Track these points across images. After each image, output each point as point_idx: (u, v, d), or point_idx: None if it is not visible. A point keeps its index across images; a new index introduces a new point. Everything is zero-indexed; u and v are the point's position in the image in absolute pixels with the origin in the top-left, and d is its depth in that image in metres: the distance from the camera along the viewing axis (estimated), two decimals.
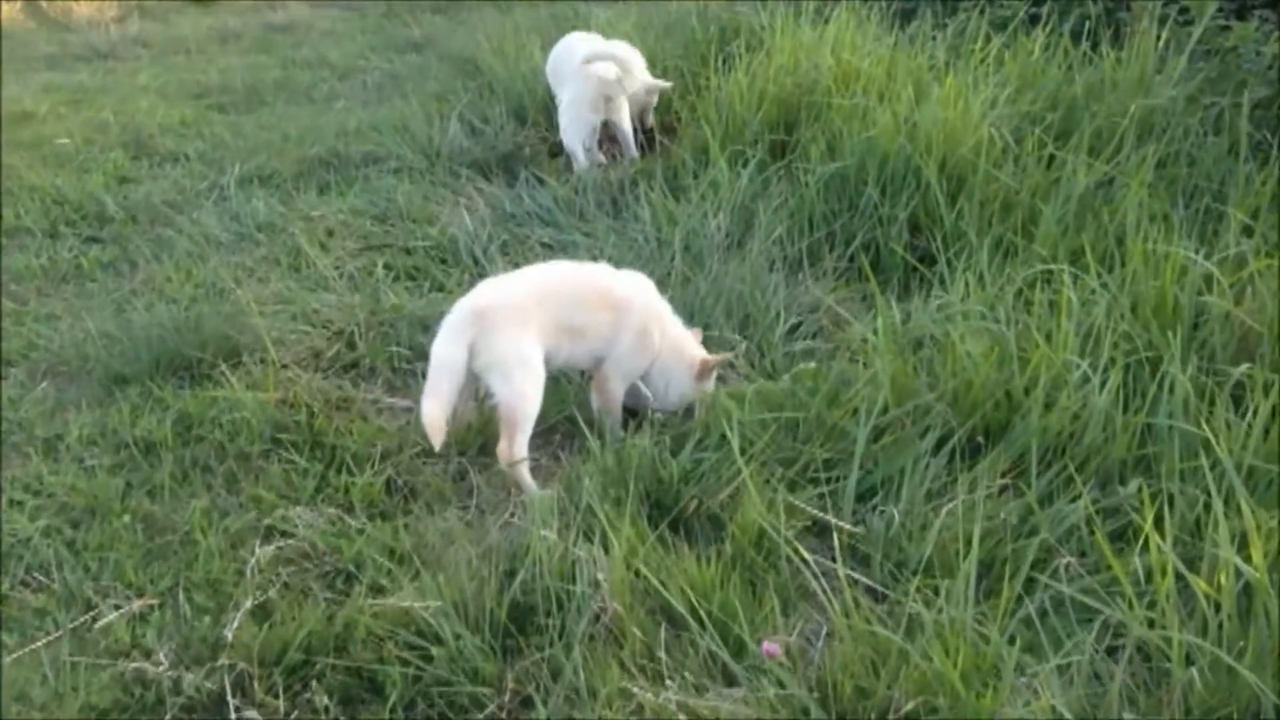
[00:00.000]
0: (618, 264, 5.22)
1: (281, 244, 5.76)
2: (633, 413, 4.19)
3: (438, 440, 3.62)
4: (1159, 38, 6.27)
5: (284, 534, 3.52)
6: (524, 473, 3.73)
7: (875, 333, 4.03)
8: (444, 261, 5.60)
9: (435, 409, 3.62)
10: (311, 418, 4.09)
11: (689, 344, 4.15)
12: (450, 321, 3.77)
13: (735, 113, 6.40)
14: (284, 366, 4.50)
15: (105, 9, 12.43)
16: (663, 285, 4.99)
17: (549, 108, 7.51)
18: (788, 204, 5.63)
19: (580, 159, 6.72)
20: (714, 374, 4.16)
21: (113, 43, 11.07)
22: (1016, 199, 5.25)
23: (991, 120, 5.66)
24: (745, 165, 5.97)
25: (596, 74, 6.65)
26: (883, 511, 3.41)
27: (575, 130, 6.79)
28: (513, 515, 3.63)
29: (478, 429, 4.01)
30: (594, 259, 5.33)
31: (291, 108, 8.90)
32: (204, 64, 10.39)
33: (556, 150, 7.12)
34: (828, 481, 3.59)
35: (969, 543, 3.03)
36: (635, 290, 4.07)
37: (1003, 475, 3.56)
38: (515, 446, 3.71)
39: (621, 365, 4.05)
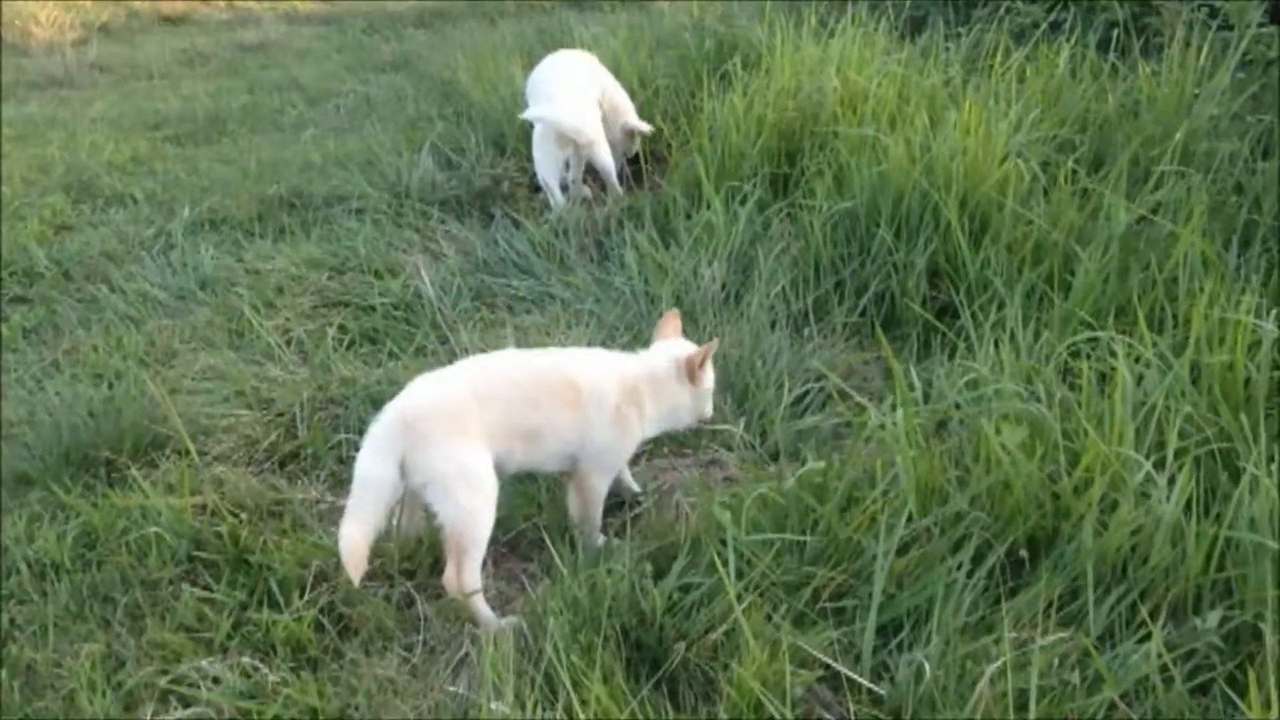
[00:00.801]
0: (601, 321, 4.74)
1: (225, 304, 5.23)
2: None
3: (356, 574, 3.09)
4: (1198, 49, 5.69)
5: (185, 700, 2.95)
6: (478, 605, 3.21)
7: (893, 416, 3.45)
8: (408, 321, 5.04)
9: (356, 536, 3.09)
10: (236, 529, 3.53)
11: (661, 361, 3.64)
12: (376, 433, 3.24)
13: (731, 143, 5.84)
14: (213, 461, 3.96)
15: (65, 31, 11.87)
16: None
17: (529, 135, 6.95)
18: (790, 250, 5.08)
19: (556, 196, 6.18)
20: (708, 368, 3.66)
21: (69, 69, 10.56)
22: (1049, 241, 4.69)
23: (1016, 148, 5.11)
24: (743, 203, 5.41)
25: (557, 126, 6.10)
26: (910, 659, 2.84)
27: (547, 164, 6.25)
28: (466, 656, 3.07)
29: (429, 545, 3.45)
30: (572, 316, 4.82)
31: (256, 137, 8.40)
32: (165, 90, 9.90)
33: (537, 184, 6.55)
34: (842, 615, 3.03)
35: (1021, 706, 2.48)
36: (601, 377, 3.52)
37: (1051, 606, 2.99)
38: (465, 575, 3.17)
39: (602, 460, 3.54)
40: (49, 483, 3.83)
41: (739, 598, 2.97)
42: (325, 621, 3.23)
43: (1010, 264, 4.66)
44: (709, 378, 3.68)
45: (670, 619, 2.99)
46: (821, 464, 3.37)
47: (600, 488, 3.57)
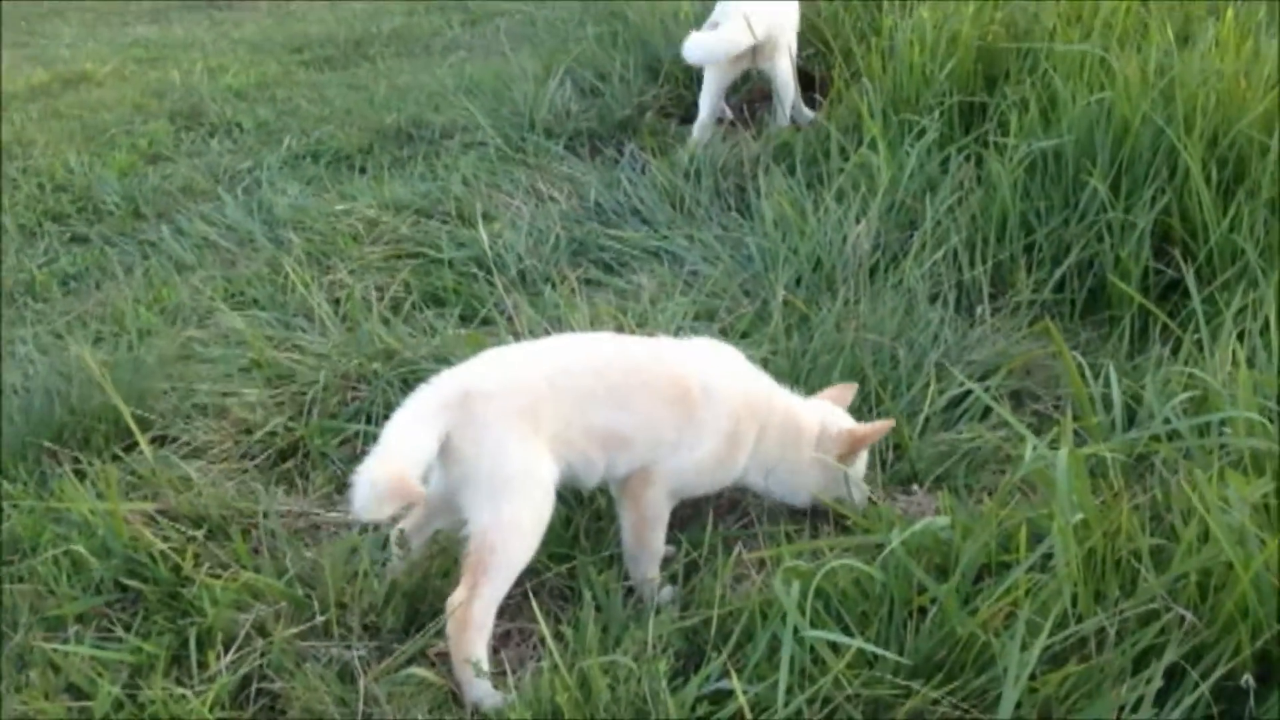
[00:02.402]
0: (715, 286, 3.85)
1: (288, 252, 4.52)
2: None
3: (401, 496, 2.38)
4: None
5: None
6: (476, 647, 2.42)
7: (1052, 453, 2.40)
8: (487, 280, 4.21)
9: (380, 469, 2.37)
10: (180, 551, 2.81)
11: (812, 414, 2.90)
12: (423, 397, 2.60)
13: (912, 64, 4.76)
14: (190, 454, 3.26)
15: None
16: (757, 329, 3.55)
17: None
18: (969, 201, 4.00)
19: (703, 120, 5.25)
20: (863, 454, 2.90)
21: None
22: None
23: None
24: (918, 140, 4.35)
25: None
26: None
27: (712, 84, 5.33)
28: None
29: (403, 594, 2.65)
30: (685, 279, 3.93)
31: (398, 61, 7.77)
32: (322, 10, 9.36)
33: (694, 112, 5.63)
34: None
35: None
36: (718, 372, 2.80)
37: None
38: (476, 606, 2.42)
39: (683, 473, 2.76)
40: (12, 465, 3.23)
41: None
42: (244, 698, 2.47)
43: (1271, 229, 3.50)
44: (861, 465, 2.91)
45: None
46: (944, 520, 2.37)
47: (665, 505, 2.77)
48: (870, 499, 2.90)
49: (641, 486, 2.71)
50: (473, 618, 2.42)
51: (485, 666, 2.39)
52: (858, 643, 2.14)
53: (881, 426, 2.87)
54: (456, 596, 2.46)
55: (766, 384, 2.89)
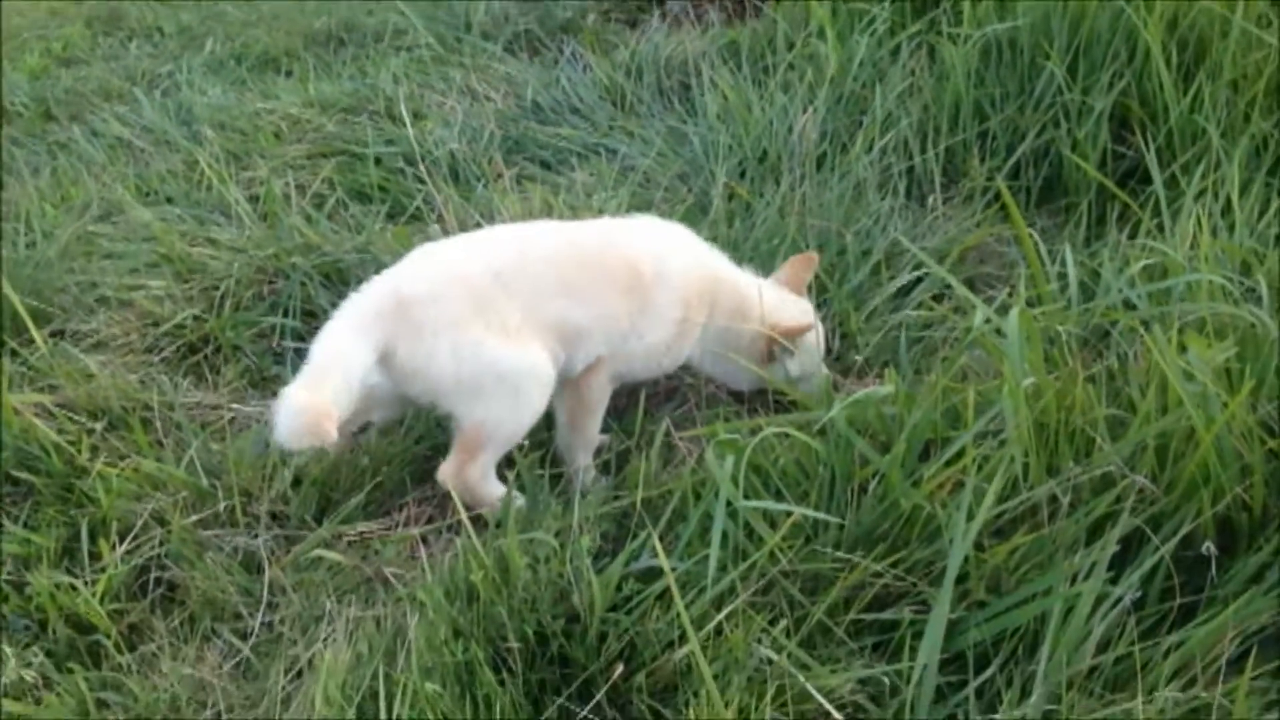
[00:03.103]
0: (652, 180, 3.69)
1: (206, 150, 4.30)
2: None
3: (305, 440, 2.22)
4: None
5: None
6: (487, 489, 2.46)
7: (1002, 319, 2.26)
8: (416, 177, 4.02)
9: (305, 397, 2.22)
10: (75, 443, 2.64)
11: (754, 299, 2.72)
12: (356, 307, 2.44)
13: None
14: (92, 347, 3.08)
15: None
16: (696, 218, 3.40)
17: None
18: (921, 89, 3.85)
19: None
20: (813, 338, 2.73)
21: None
22: None
23: None
24: (869, 31, 4.17)
25: None
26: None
27: None
28: (323, 643, 2.09)
29: (315, 482, 2.49)
30: (621, 174, 3.77)
31: None
32: None
33: (636, 13, 5.43)
34: (889, 636, 1.94)
35: None
36: (670, 255, 2.65)
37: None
38: (470, 470, 2.43)
39: (632, 362, 2.65)
40: None
41: (721, 597, 1.92)
42: (140, 588, 2.31)
43: (1233, 108, 3.37)
44: (811, 354, 2.75)
45: (615, 628, 1.95)
46: (887, 389, 2.24)
47: (607, 390, 2.65)
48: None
49: (591, 377, 2.59)
50: (470, 476, 2.41)
51: (502, 491, 2.39)
52: (794, 509, 2.00)
53: (799, 326, 2.67)
54: (447, 468, 2.42)
55: (714, 262, 2.75)
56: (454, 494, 2.26)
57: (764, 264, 3.14)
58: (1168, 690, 1.78)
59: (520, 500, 2.37)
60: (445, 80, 4.91)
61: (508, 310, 2.42)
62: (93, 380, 2.89)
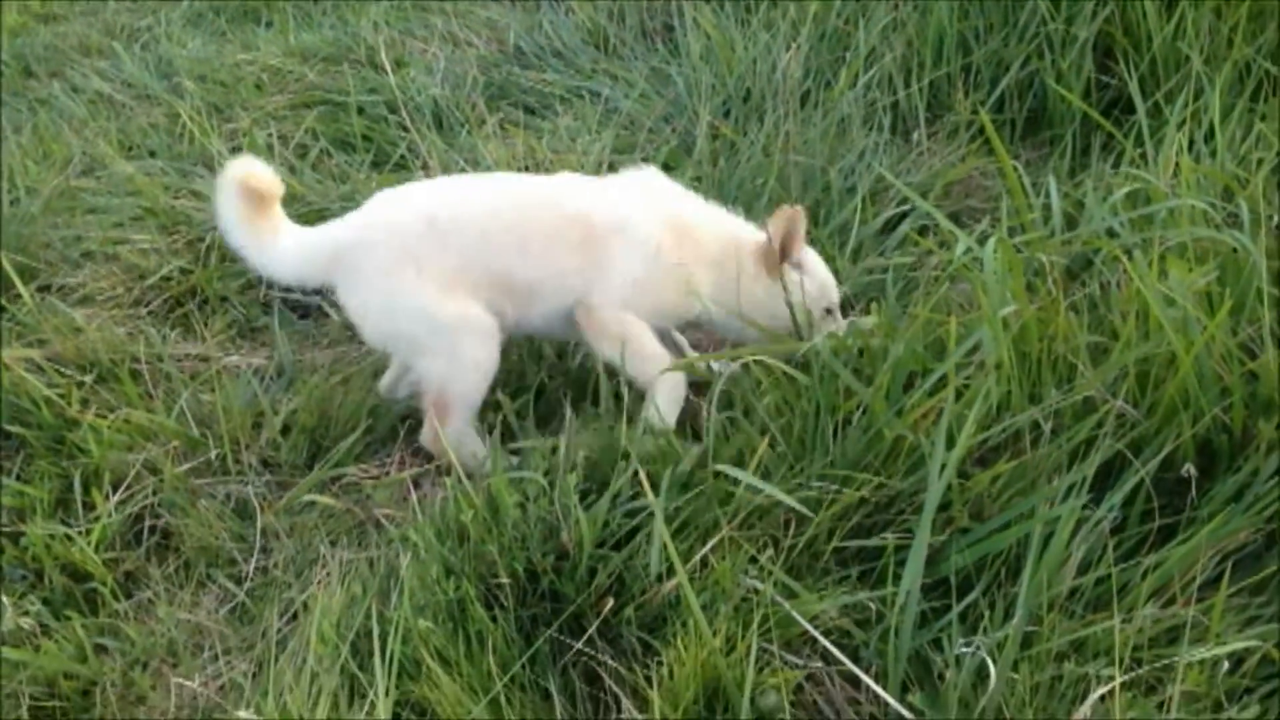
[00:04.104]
0: (635, 123, 3.69)
1: (187, 103, 4.29)
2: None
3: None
4: None
5: None
6: (468, 448, 2.44)
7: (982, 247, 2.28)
8: (400, 125, 4.02)
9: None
10: (66, 396, 2.66)
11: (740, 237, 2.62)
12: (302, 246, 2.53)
13: None
14: (78, 301, 3.09)
15: None
16: (680, 159, 3.40)
17: None
18: (904, 24, 3.84)
19: None
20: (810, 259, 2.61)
21: None
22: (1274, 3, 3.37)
23: None
24: None
25: None
26: (972, 647, 1.77)
27: None
28: (317, 586, 2.13)
29: (304, 429, 2.52)
30: (605, 116, 3.76)
31: None
32: None
33: None
34: (873, 563, 1.98)
35: None
36: (630, 205, 2.54)
37: (1228, 560, 1.89)
38: (446, 436, 2.40)
39: (626, 297, 2.52)
40: None
41: (708, 530, 1.96)
42: (134, 536, 2.35)
43: (1215, 34, 3.38)
44: (815, 273, 2.60)
45: (604, 564, 1.99)
46: (870, 320, 2.26)
47: (625, 323, 2.49)
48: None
49: (587, 316, 2.51)
50: (447, 439, 2.37)
51: (484, 449, 2.38)
52: (779, 426, 2.03)
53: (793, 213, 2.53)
54: (426, 433, 2.48)
55: (694, 213, 2.61)
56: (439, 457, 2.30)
57: (749, 202, 3.17)
58: (1146, 609, 1.82)
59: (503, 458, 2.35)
60: (426, 26, 4.90)
61: (442, 260, 2.41)
62: (81, 334, 2.91)
